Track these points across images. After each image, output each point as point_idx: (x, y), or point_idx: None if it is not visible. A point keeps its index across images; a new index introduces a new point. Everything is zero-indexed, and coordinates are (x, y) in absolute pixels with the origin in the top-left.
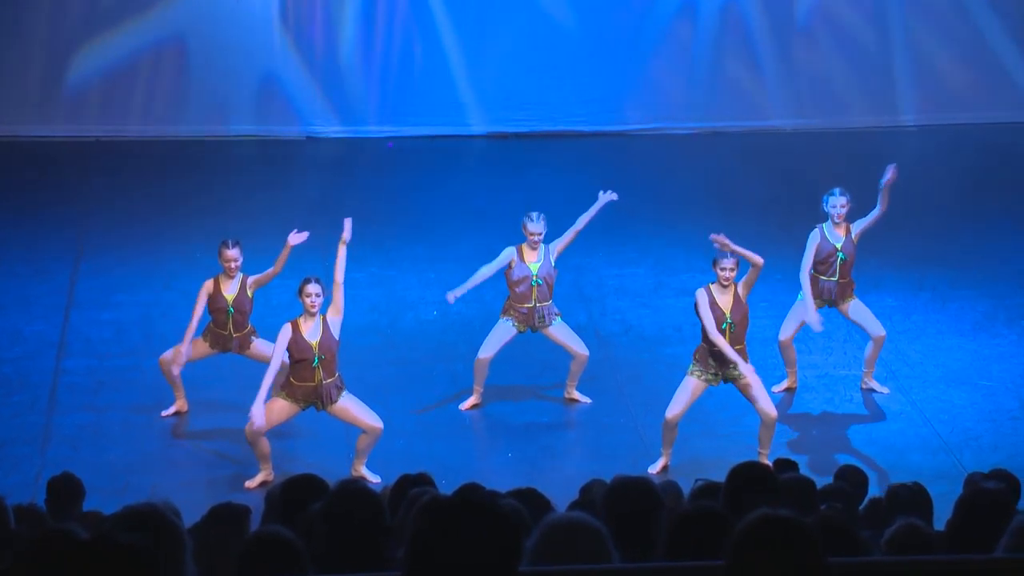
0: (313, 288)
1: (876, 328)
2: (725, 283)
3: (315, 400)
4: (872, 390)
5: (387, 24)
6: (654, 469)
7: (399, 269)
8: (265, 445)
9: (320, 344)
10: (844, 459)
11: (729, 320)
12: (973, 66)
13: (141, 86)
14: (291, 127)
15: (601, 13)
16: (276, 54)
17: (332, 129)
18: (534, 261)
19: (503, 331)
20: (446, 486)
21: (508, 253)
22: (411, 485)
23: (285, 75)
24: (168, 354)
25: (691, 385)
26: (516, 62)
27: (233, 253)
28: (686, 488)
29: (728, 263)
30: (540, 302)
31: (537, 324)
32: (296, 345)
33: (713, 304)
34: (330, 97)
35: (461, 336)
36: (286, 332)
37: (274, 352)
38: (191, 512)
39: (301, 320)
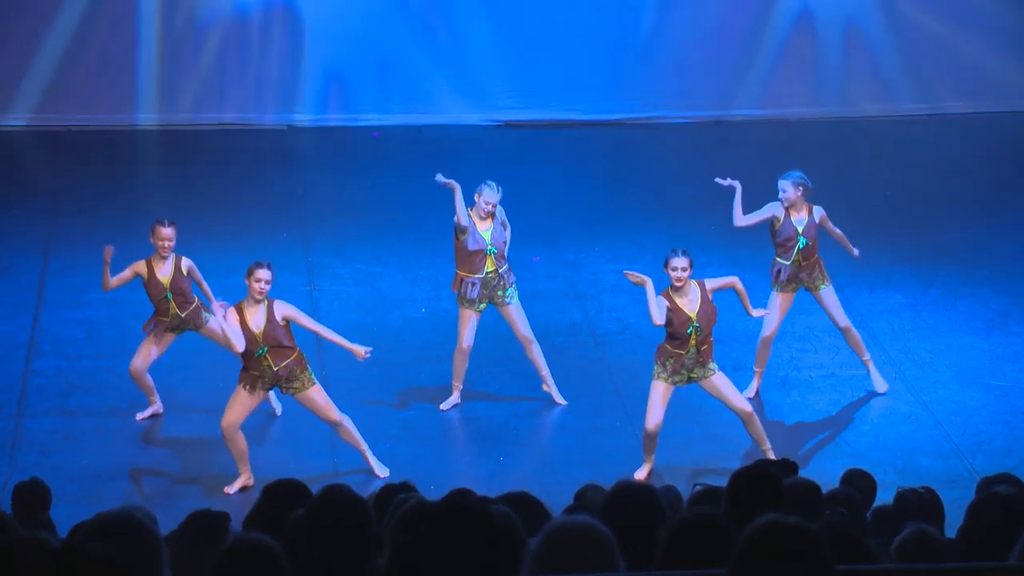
0: (264, 274)
1: (841, 318)
2: (678, 284)
3: (275, 382)
4: (874, 380)
5: (373, 7)
6: (640, 475)
7: (385, 265)
8: (242, 443)
9: (264, 333)
10: (851, 463)
11: (696, 324)
12: (986, 53)
13: (111, 73)
14: (271, 115)
15: None
16: (255, 39)
17: (314, 118)
18: (486, 230)
19: (468, 316)
20: (434, 492)
21: (466, 215)
22: (394, 495)
23: (265, 61)
24: (137, 361)
25: (660, 389)
26: (508, 48)
27: (168, 232)
28: (685, 493)
29: (681, 262)
30: (499, 268)
31: (497, 296)
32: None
33: (676, 309)
34: (312, 84)
35: (449, 335)
36: (232, 317)
37: (229, 336)
38: (167, 519)
39: (244, 305)
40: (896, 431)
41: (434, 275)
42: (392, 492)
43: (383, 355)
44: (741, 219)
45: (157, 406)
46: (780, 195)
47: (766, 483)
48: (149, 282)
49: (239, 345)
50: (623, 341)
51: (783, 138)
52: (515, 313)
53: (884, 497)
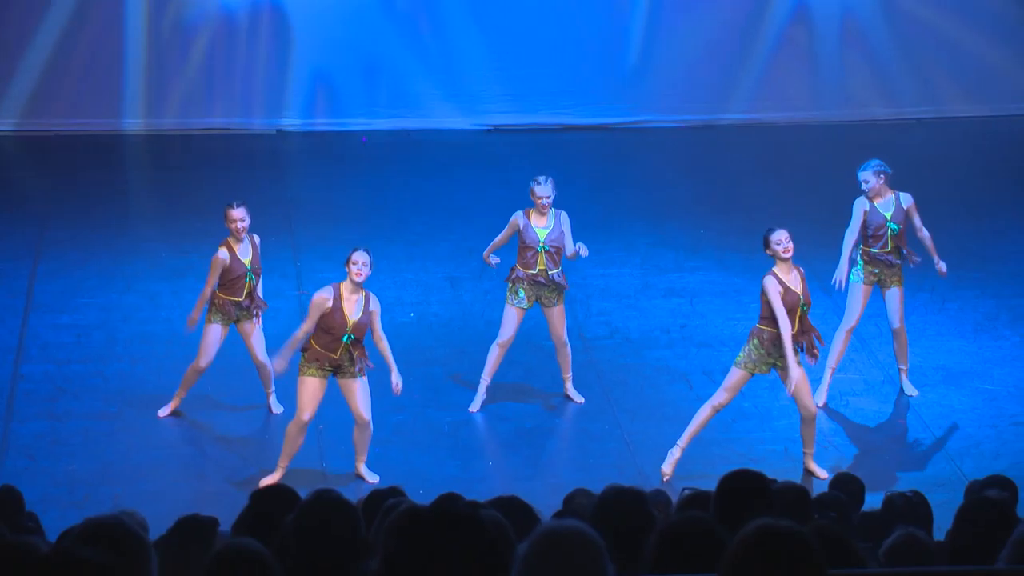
0: (360, 256)
1: (896, 320)
2: (786, 255)
3: (338, 365)
4: (905, 387)
5: (361, 11)
6: (667, 467)
7: (374, 269)
8: (299, 443)
9: (357, 324)
10: (839, 467)
11: (803, 303)
12: (974, 59)
13: (99, 78)
14: (260, 120)
15: (585, 1)
16: (243, 43)
17: (303, 122)
18: (543, 227)
19: (513, 313)
20: (423, 496)
21: (515, 219)
22: (383, 500)
23: (253, 65)
24: (203, 360)
25: (739, 376)
26: (497, 52)
27: (239, 213)
28: (674, 497)
29: (783, 234)
30: (550, 269)
31: (546, 296)
32: (332, 316)
33: (787, 289)
34: (300, 88)
35: (439, 339)
36: (327, 293)
37: (307, 318)
38: (156, 525)
39: (344, 289)
40: (884, 434)
41: (423, 279)
42: (381, 497)
43: (372, 359)
44: (851, 237)
45: (176, 404)
46: (863, 186)
47: (756, 487)
48: (231, 266)
49: (308, 324)
50: (612, 345)
51: (773, 142)
52: (557, 316)
53: (873, 501)
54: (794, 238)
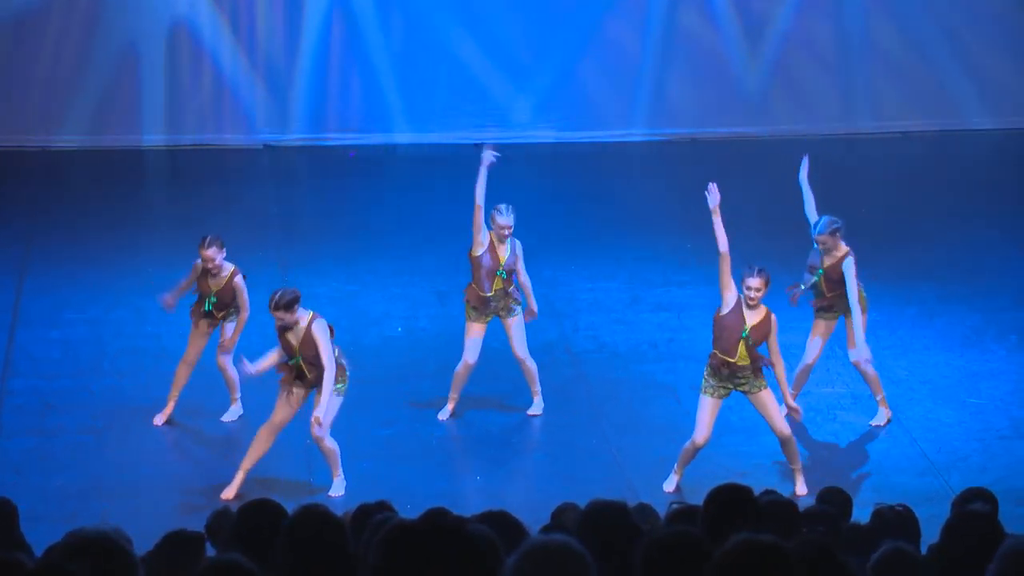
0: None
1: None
2: (751, 303)
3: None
4: (879, 414)
5: (347, 27)
6: (670, 487)
7: (362, 284)
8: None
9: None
10: (826, 480)
11: (746, 332)
12: (958, 71)
13: (89, 93)
14: (247, 135)
15: (571, 18)
16: (230, 59)
17: (291, 138)
18: (502, 254)
19: (475, 332)
20: (412, 510)
21: (486, 234)
22: (371, 514)
23: (240, 81)
24: (190, 356)
25: (707, 404)
26: (482, 68)
27: (209, 253)
28: (661, 511)
29: (756, 282)
30: (505, 288)
31: (501, 310)
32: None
33: (736, 310)
34: (288, 104)
35: (427, 353)
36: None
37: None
38: (144, 539)
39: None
40: (872, 449)
41: (411, 293)
42: (369, 511)
43: (361, 373)
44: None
45: (171, 408)
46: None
47: (743, 501)
48: (201, 281)
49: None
50: (600, 360)
51: (758, 155)
52: (515, 328)
53: (860, 514)
54: (777, 254)
